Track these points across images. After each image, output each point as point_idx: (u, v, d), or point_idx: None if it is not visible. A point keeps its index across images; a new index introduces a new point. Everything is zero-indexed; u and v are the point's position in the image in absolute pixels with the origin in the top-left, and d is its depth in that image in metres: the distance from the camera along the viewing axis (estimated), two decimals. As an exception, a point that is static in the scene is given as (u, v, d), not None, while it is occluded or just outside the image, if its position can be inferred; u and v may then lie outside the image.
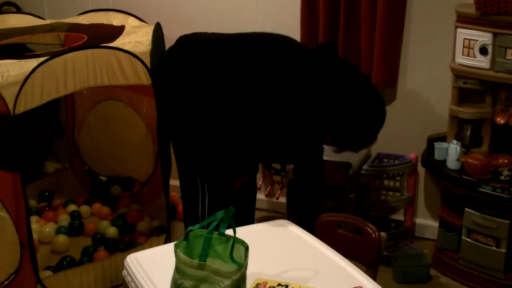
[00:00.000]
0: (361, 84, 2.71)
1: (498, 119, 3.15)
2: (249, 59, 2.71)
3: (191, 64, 2.77)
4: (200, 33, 2.94)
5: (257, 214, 3.02)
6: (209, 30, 2.97)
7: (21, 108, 2.72)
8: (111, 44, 3.12)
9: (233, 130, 2.71)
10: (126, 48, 3.08)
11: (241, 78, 2.67)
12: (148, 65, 3.11)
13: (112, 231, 3.65)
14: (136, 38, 3.29)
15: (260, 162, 2.83)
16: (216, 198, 2.80)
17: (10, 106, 2.68)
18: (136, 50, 3.12)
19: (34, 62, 2.80)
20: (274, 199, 3.98)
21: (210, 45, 2.81)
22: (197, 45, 2.84)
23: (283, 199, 3.80)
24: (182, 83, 2.78)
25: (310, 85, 2.64)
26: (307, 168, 2.97)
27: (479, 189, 3.08)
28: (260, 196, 3.95)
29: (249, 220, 2.98)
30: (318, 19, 3.58)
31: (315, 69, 2.65)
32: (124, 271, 2.04)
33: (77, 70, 2.92)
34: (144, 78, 3.13)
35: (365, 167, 3.49)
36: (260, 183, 3.63)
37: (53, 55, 2.85)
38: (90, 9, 4.00)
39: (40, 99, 2.79)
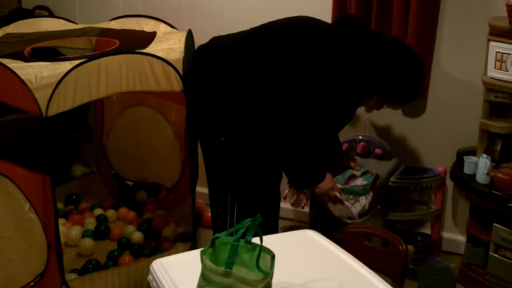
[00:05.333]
0: (388, 42, 2.76)
1: (529, 134, 3.13)
2: (271, 51, 2.70)
3: (215, 70, 2.79)
4: (217, 37, 2.94)
5: (282, 224, 3.02)
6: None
7: (53, 111, 2.74)
8: (144, 50, 3.14)
9: (264, 131, 2.71)
10: (159, 54, 3.09)
11: (268, 72, 2.67)
12: (181, 72, 3.13)
13: (137, 236, 3.66)
14: (169, 45, 3.30)
15: (292, 163, 2.83)
16: (246, 206, 2.81)
17: (43, 108, 2.70)
18: (169, 57, 3.13)
19: (67, 65, 2.82)
20: (300, 209, 3.97)
21: (229, 47, 2.81)
22: (217, 50, 2.85)
23: (308, 209, 3.79)
24: (209, 90, 2.79)
25: (341, 58, 2.65)
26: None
27: (509, 204, 3.04)
28: (286, 205, 3.94)
29: (273, 229, 2.97)
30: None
31: (342, 41, 2.67)
32: (150, 276, 2.05)
33: (110, 75, 2.94)
34: (176, 85, 3.14)
35: (392, 179, 3.47)
36: (286, 192, 3.62)
37: (88, 59, 2.87)
38: (121, 14, 4.03)
39: (72, 102, 2.82)
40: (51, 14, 4.44)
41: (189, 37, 3.40)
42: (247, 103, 2.71)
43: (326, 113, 2.72)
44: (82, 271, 3.25)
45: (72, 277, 3.15)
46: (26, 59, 2.98)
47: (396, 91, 2.81)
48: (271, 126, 2.70)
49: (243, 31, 2.88)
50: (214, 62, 2.81)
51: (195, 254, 1.77)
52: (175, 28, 3.73)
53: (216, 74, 2.78)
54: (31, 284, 2.93)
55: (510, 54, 3.03)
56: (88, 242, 3.57)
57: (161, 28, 3.70)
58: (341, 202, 2.97)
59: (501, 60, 3.08)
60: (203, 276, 1.69)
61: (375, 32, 2.83)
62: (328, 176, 2.91)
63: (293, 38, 2.70)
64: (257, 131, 2.73)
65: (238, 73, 2.72)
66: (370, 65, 2.69)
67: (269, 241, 1.81)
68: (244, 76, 2.71)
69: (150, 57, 3.06)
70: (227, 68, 2.76)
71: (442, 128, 3.62)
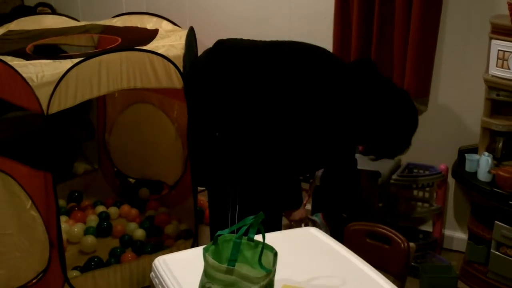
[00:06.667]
0: (397, 96, 2.78)
1: (531, 132, 3.12)
2: (286, 67, 2.73)
3: (228, 69, 2.80)
4: (238, 39, 2.96)
5: (284, 221, 3.01)
6: (241, 35, 2.99)
7: (54, 108, 2.74)
8: (145, 47, 3.15)
9: (261, 136, 2.72)
10: (159, 51, 3.10)
11: (277, 86, 2.69)
12: (181, 68, 3.13)
13: (139, 233, 3.66)
14: (170, 41, 3.31)
15: (288, 171, 2.85)
16: (248, 204, 2.81)
17: (44, 106, 2.71)
18: (170, 53, 3.13)
19: (68, 63, 2.83)
20: (302, 206, 3.97)
21: (247, 51, 2.83)
22: (236, 50, 2.86)
23: (311, 206, 3.79)
24: (217, 86, 2.80)
25: (348, 96, 2.68)
26: (339, 175, 3.04)
27: (510, 202, 3.04)
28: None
29: (275, 226, 2.97)
30: (351, 29, 3.57)
31: (354, 81, 2.70)
32: (152, 273, 2.05)
33: (111, 72, 2.94)
34: (177, 82, 3.14)
35: (394, 176, 3.47)
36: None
37: (88, 57, 2.88)
38: (124, 12, 4.04)
39: (73, 100, 2.82)
40: (54, 11, 4.45)
41: (191, 34, 3.40)
42: (248, 108, 2.72)
43: (317, 141, 2.76)
44: (84, 268, 3.25)
45: (74, 274, 3.15)
46: (28, 57, 2.98)
47: (385, 146, 2.87)
48: (265, 132, 2.72)
49: (264, 41, 2.90)
50: (231, 62, 2.82)
51: (198, 251, 1.77)
52: (178, 26, 3.74)
53: (226, 72, 2.79)
54: (33, 281, 2.94)
55: (512, 52, 3.04)
56: (90, 239, 3.58)
57: (164, 26, 3.70)
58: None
59: (503, 58, 3.08)
60: (205, 273, 1.69)
61: (388, 81, 2.86)
62: (303, 205, 2.98)
63: (310, 65, 2.72)
64: (253, 133, 2.74)
65: (247, 78, 2.74)
66: (371, 114, 2.72)
67: (271, 238, 1.81)
68: (251, 82, 2.72)
69: (150, 54, 3.07)
70: (238, 70, 2.77)
71: (444, 126, 3.62)
